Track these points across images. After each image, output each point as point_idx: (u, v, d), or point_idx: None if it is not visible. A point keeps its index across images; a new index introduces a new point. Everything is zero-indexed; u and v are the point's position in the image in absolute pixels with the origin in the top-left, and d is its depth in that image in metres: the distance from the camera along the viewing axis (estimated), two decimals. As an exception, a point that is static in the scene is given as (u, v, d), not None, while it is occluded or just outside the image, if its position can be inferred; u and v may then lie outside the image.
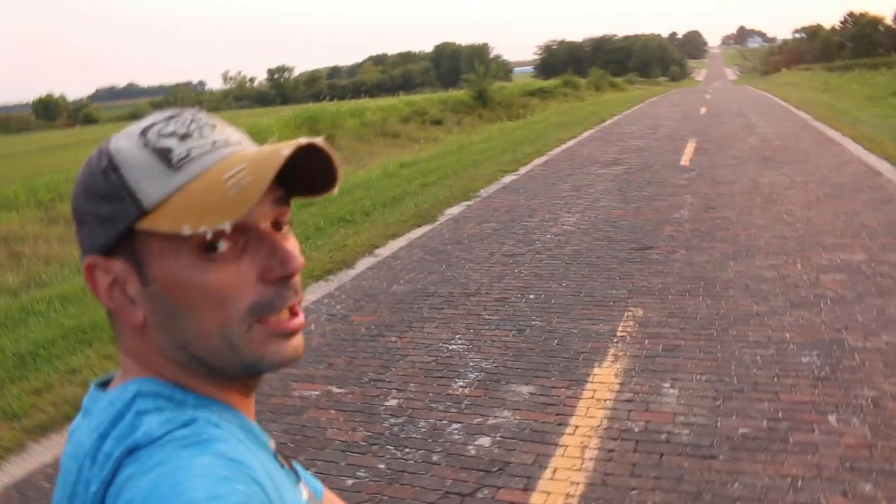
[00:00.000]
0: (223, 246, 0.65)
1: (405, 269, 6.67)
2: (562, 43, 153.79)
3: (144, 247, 0.66)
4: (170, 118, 0.69)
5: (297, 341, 0.71)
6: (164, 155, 0.65)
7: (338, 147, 18.53)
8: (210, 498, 0.56)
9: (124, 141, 0.67)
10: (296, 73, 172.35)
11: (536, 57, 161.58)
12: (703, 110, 25.70)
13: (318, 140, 0.66)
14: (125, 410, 0.65)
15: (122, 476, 0.61)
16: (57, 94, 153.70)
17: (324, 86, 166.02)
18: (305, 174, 0.70)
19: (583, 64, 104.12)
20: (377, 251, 7.40)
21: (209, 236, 0.63)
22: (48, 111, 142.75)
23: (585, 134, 18.86)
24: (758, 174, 10.55)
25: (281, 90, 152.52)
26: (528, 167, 12.98)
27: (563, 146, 16.17)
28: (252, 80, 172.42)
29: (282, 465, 0.75)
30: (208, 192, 0.63)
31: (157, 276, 0.66)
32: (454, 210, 9.33)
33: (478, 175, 12.09)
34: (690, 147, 14.22)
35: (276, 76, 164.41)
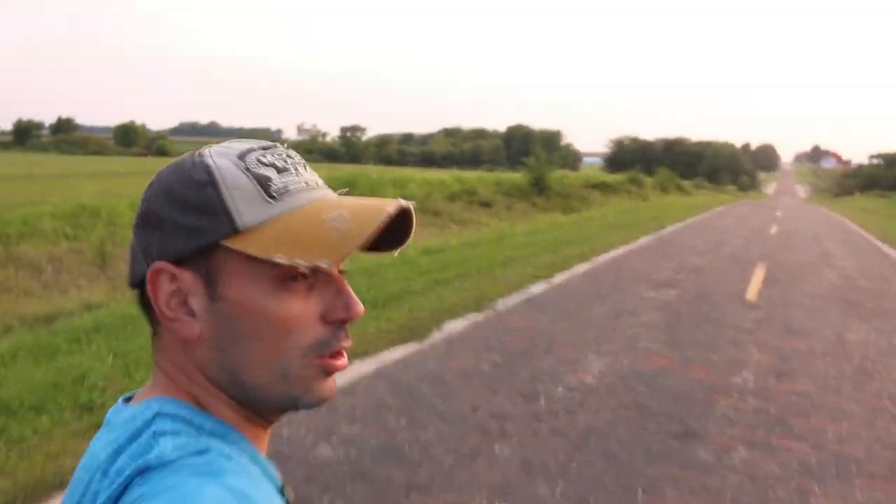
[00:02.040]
0: (298, 280, 0.68)
1: (350, 417, 4.80)
2: (634, 139, 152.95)
3: (222, 264, 0.67)
4: (266, 148, 0.72)
5: (334, 383, 0.73)
6: (263, 183, 0.68)
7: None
8: None
9: (223, 160, 0.69)
10: (369, 133, 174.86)
11: (607, 150, 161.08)
12: (773, 229, 23.55)
13: (412, 204, 0.71)
14: (143, 428, 0.65)
15: (130, 496, 0.60)
16: (139, 123, 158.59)
17: (393, 150, 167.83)
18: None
19: (652, 162, 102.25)
20: (329, 378, 5.55)
21: (304, 270, 0.67)
22: (127, 138, 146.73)
23: (641, 241, 16.92)
24: (843, 326, 8.48)
25: (351, 148, 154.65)
26: (566, 275, 11.08)
27: (613, 252, 14.25)
28: (325, 135, 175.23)
29: (287, 501, 0.74)
30: (306, 229, 0.67)
31: (229, 296, 0.67)
32: (456, 325, 7.46)
33: (504, 277, 10.25)
34: (759, 275, 12.18)
35: (348, 134, 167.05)
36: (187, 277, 0.68)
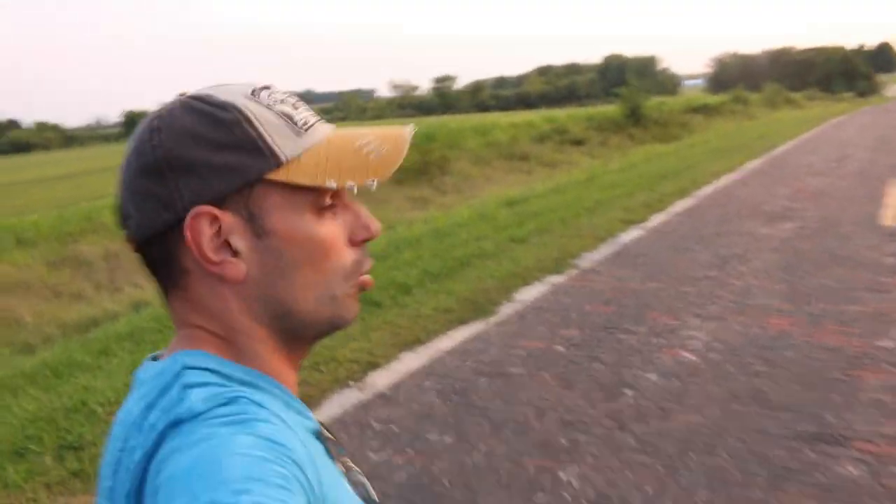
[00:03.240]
0: (328, 207, 0.71)
1: (383, 437, 3.81)
2: (735, 55, 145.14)
3: (264, 199, 0.68)
4: (266, 88, 0.72)
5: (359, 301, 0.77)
6: (288, 118, 0.70)
7: (449, 172, 15.86)
8: (246, 478, 0.55)
9: (242, 99, 0.69)
10: (462, 83, 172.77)
11: (709, 70, 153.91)
12: (902, 135, 21.12)
13: (411, 129, 0.76)
14: (173, 382, 0.65)
15: (164, 450, 0.60)
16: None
17: (487, 95, 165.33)
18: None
19: (758, 78, 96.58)
20: (364, 380, 4.58)
21: (355, 190, 0.71)
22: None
23: (749, 165, 15.18)
24: None
25: (445, 99, 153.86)
26: (663, 216, 9.73)
27: (718, 183, 12.70)
28: (416, 88, 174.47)
29: (324, 443, 0.73)
30: (346, 155, 0.71)
31: (276, 229, 0.69)
32: (529, 294, 6.35)
33: (591, 226, 9.01)
34: (892, 192, 10.46)
35: (439, 85, 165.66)
36: (228, 218, 0.67)
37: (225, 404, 0.63)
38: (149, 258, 0.71)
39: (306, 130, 0.71)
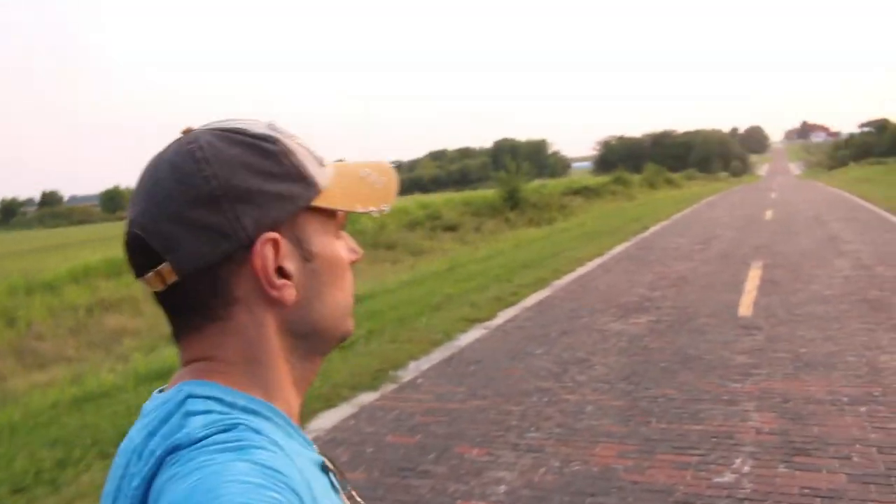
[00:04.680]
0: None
1: None
2: (620, 139, 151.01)
3: (306, 225, 0.71)
4: (272, 125, 0.74)
5: None
6: (310, 150, 0.74)
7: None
8: None
9: (274, 132, 0.72)
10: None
11: (595, 153, 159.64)
12: (768, 214, 21.27)
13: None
14: (175, 410, 0.65)
15: (162, 476, 0.61)
16: (124, 187, 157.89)
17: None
18: None
19: (642, 159, 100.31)
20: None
21: (376, 215, 0.77)
22: (113, 203, 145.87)
23: (617, 249, 14.65)
24: (872, 342, 6.23)
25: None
26: (513, 311, 8.84)
27: (581, 270, 12.01)
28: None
29: (328, 475, 0.73)
30: (358, 185, 0.76)
31: (319, 252, 0.72)
32: (327, 421, 5.23)
33: (430, 327, 8.01)
34: (754, 277, 9.93)
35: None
36: (284, 244, 0.69)
37: (224, 431, 0.62)
38: (188, 292, 0.68)
39: (324, 162, 0.75)
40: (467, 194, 33.71)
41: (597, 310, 8.54)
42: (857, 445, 4.12)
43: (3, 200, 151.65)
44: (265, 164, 0.69)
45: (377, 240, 18.27)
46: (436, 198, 30.47)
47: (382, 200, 0.76)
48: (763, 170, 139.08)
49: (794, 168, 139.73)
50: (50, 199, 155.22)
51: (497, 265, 13.00)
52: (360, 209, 0.74)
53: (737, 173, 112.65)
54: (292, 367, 0.73)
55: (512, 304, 9.28)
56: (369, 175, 0.77)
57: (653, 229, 18.79)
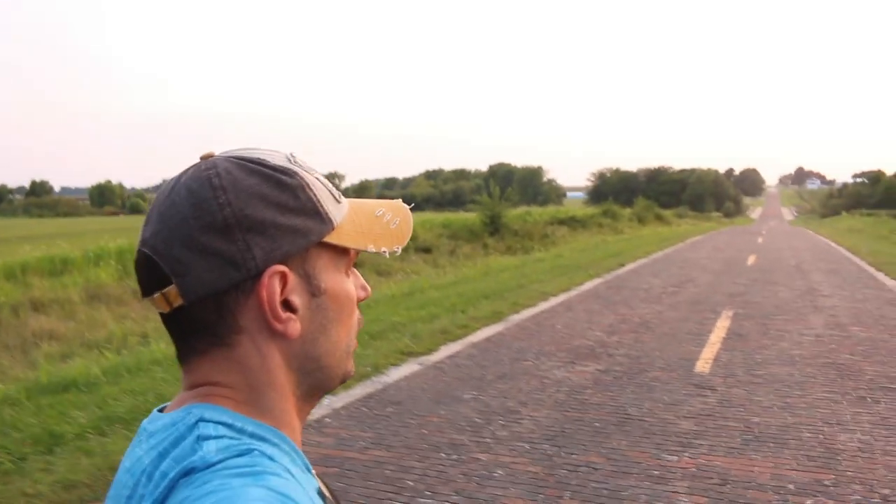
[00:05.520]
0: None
1: None
2: (616, 171, 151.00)
3: (317, 261, 0.71)
4: (293, 156, 0.74)
5: None
6: (326, 186, 0.73)
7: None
8: None
9: (292, 165, 0.71)
10: (350, 180, 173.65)
11: (590, 183, 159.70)
12: (751, 260, 20.68)
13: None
14: (187, 433, 0.65)
15: (175, 499, 0.61)
16: (115, 182, 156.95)
17: (373, 195, 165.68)
18: None
19: (635, 193, 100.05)
20: None
21: (388, 256, 0.75)
22: (103, 197, 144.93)
23: (586, 286, 14.01)
24: (833, 416, 5.58)
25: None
26: (456, 347, 8.17)
27: (543, 305, 11.35)
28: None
29: (323, 499, 0.73)
30: (372, 223, 0.75)
31: (328, 288, 0.71)
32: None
33: (361, 359, 7.29)
34: (720, 328, 9.29)
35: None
36: (292, 277, 0.69)
37: (238, 455, 0.62)
38: (194, 316, 0.68)
39: (340, 200, 0.74)
40: (447, 216, 33.05)
41: (544, 353, 7.87)
42: (795, 552, 3.45)
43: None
44: (281, 196, 0.68)
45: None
46: (413, 218, 29.75)
47: (396, 241, 0.76)
48: (756, 213, 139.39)
49: (787, 213, 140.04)
50: (38, 189, 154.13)
51: (457, 293, 12.34)
52: (371, 249, 0.74)
53: (729, 214, 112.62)
54: (297, 400, 0.72)
55: (457, 338, 8.61)
56: (384, 214, 0.77)
57: (629, 266, 18.17)
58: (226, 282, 0.67)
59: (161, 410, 0.72)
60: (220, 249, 0.66)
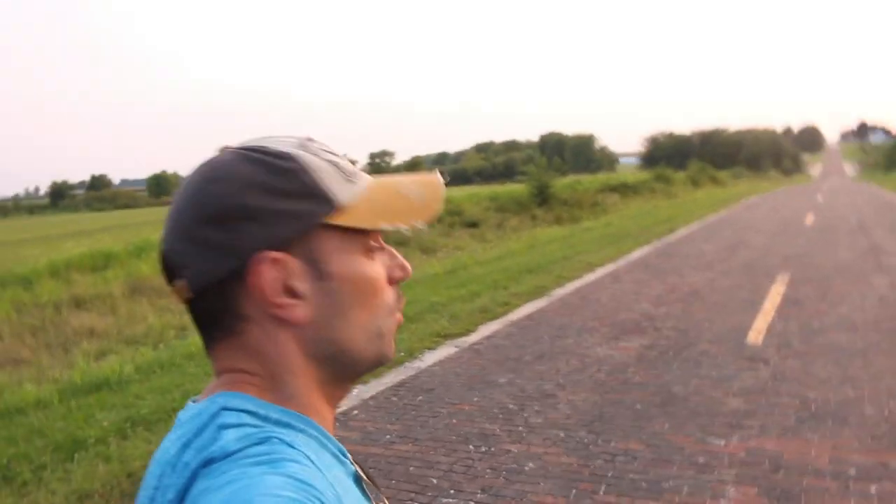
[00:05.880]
0: (374, 249, 0.72)
1: None
2: (669, 135, 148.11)
3: (323, 243, 0.69)
4: (307, 139, 0.73)
5: None
6: (336, 167, 0.71)
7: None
8: None
9: (295, 149, 0.70)
10: (402, 157, 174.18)
11: (643, 149, 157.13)
12: (809, 219, 19.87)
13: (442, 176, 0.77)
14: (209, 422, 0.65)
15: (196, 489, 0.61)
16: (171, 172, 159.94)
17: (424, 171, 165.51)
18: None
19: (689, 156, 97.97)
20: None
21: (408, 232, 0.73)
22: (160, 188, 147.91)
23: (635, 254, 13.54)
24: (897, 388, 5.13)
25: (381, 174, 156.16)
26: (495, 326, 7.86)
27: (588, 277, 10.95)
28: (354, 163, 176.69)
29: (361, 487, 0.72)
30: (393, 200, 0.72)
31: (336, 271, 0.69)
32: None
33: (396, 344, 7.04)
34: (775, 294, 8.80)
35: (377, 160, 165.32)
36: (292, 262, 0.68)
37: (257, 444, 0.62)
38: (203, 307, 0.69)
39: (353, 179, 0.72)
40: (494, 189, 32.53)
41: (587, 329, 7.51)
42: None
43: (54, 183, 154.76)
44: (276, 181, 0.67)
45: (387, 236, 17.34)
46: (459, 192, 29.42)
47: (418, 215, 0.72)
48: (816, 170, 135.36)
49: (849, 169, 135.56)
50: (97, 183, 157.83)
51: (500, 268, 12.00)
52: (385, 226, 0.71)
53: (788, 173, 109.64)
54: (323, 385, 0.71)
55: (497, 316, 8.30)
56: (409, 190, 0.74)
57: (681, 232, 17.57)
58: (223, 271, 0.67)
59: (195, 401, 0.72)
60: (215, 240, 0.67)
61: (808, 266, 10.99)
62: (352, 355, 0.71)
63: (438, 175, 0.77)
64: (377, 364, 0.74)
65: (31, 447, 5.13)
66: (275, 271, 0.67)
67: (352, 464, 0.72)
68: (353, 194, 0.70)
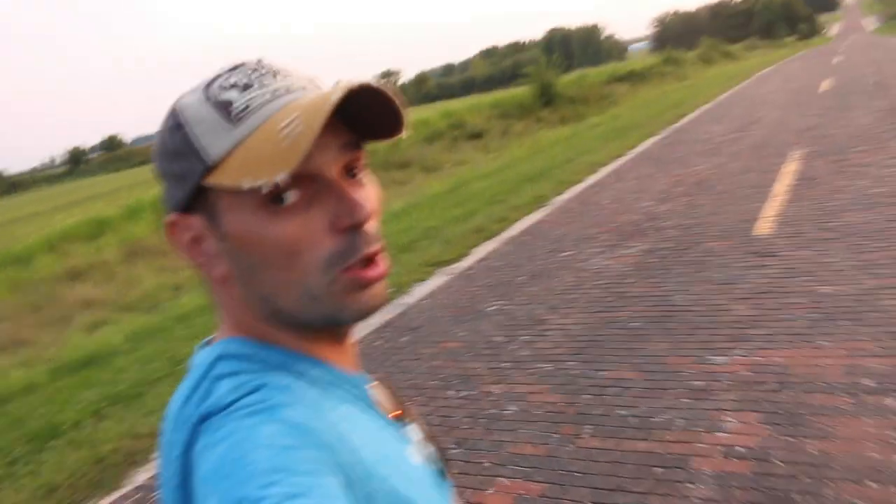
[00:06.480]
0: (290, 197, 0.62)
1: None
2: (675, 14, 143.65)
3: (216, 203, 0.64)
4: (234, 69, 0.65)
5: (377, 290, 0.66)
6: (224, 108, 0.63)
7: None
8: (273, 470, 0.53)
9: (189, 96, 0.66)
10: (407, 76, 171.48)
11: (651, 32, 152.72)
12: (824, 85, 18.90)
13: (372, 82, 0.61)
14: (206, 374, 0.64)
15: (198, 446, 0.59)
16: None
17: (432, 86, 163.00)
18: (374, 117, 0.64)
19: (700, 34, 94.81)
20: None
21: (265, 190, 0.60)
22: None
23: (640, 147, 12.91)
24: (920, 270, 4.65)
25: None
26: (491, 245, 7.45)
27: (591, 179, 10.43)
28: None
29: (383, 415, 0.71)
30: (265, 145, 0.60)
31: (231, 232, 0.64)
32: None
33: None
34: (787, 174, 8.22)
35: (383, 80, 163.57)
36: (196, 223, 0.65)
37: (251, 392, 0.60)
38: None
39: (243, 118, 0.62)
40: (496, 95, 31.59)
41: (585, 237, 7.05)
42: (873, 484, 2.67)
43: (68, 151, 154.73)
44: (168, 141, 0.65)
45: (389, 159, 16.83)
46: (459, 104, 28.60)
47: (277, 165, 0.57)
48: (834, 29, 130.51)
49: (870, 23, 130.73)
50: (110, 144, 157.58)
51: (500, 180, 11.51)
52: (245, 185, 0.58)
53: (805, 37, 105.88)
54: (298, 334, 0.66)
55: (492, 235, 7.87)
56: (289, 125, 0.59)
57: (690, 116, 16.79)
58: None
59: (208, 343, 0.70)
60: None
61: (823, 138, 10.33)
62: (293, 315, 0.64)
63: (340, 90, 0.58)
64: (333, 323, 0.66)
65: (7, 439, 4.90)
66: (178, 233, 0.65)
67: (368, 394, 0.69)
68: (229, 145, 0.61)
